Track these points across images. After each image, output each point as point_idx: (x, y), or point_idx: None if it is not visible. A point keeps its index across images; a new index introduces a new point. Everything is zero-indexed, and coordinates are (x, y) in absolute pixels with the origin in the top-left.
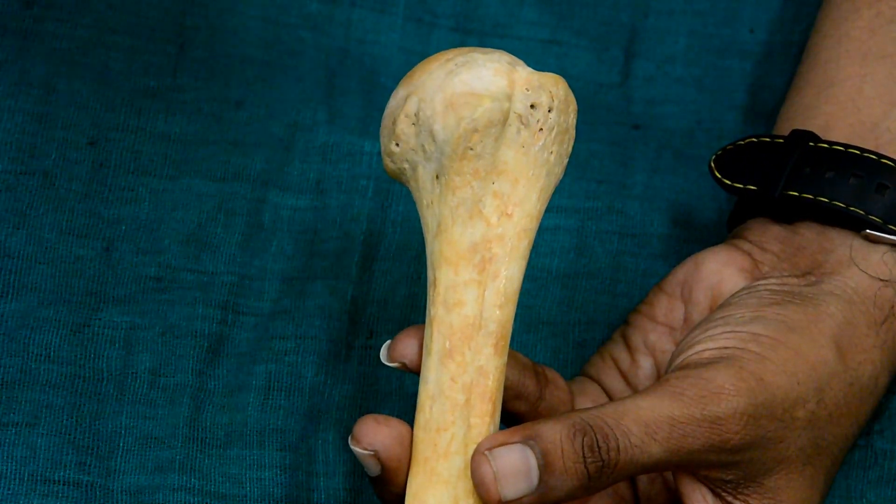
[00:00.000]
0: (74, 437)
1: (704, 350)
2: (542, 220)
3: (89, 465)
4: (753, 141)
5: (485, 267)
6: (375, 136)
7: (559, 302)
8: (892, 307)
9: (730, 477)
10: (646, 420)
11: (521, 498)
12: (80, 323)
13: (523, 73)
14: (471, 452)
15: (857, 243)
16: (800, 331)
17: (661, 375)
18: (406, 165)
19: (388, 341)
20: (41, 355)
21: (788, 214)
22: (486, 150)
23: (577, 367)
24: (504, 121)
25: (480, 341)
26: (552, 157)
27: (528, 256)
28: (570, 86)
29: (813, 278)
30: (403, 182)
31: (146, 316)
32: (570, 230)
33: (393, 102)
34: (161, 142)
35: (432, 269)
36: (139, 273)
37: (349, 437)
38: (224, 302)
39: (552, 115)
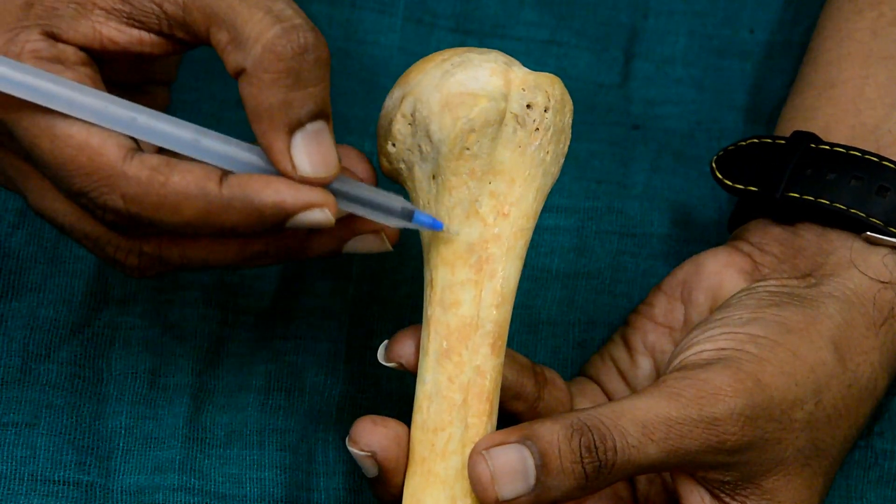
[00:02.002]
0: (74, 437)
1: (702, 351)
2: (542, 219)
3: (89, 465)
4: (755, 142)
5: (481, 267)
6: (375, 137)
7: (559, 302)
8: (892, 309)
9: (727, 478)
10: (643, 420)
11: (518, 498)
12: (80, 323)
13: (519, 73)
14: (468, 452)
15: (857, 245)
16: (798, 332)
17: (660, 376)
18: (402, 165)
19: (386, 341)
20: (41, 355)
21: (789, 216)
22: (482, 150)
23: (577, 367)
24: (500, 121)
25: (477, 341)
26: (548, 157)
27: (524, 256)
28: (570, 86)
29: (812, 280)
30: (400, 182)
31: (146, 316)
32: (570, 230)
33: (389, 103)
34: None
35: (429, 270)
36: None
37: (346, 438)
38: (224, 302)
39: (548, 114)
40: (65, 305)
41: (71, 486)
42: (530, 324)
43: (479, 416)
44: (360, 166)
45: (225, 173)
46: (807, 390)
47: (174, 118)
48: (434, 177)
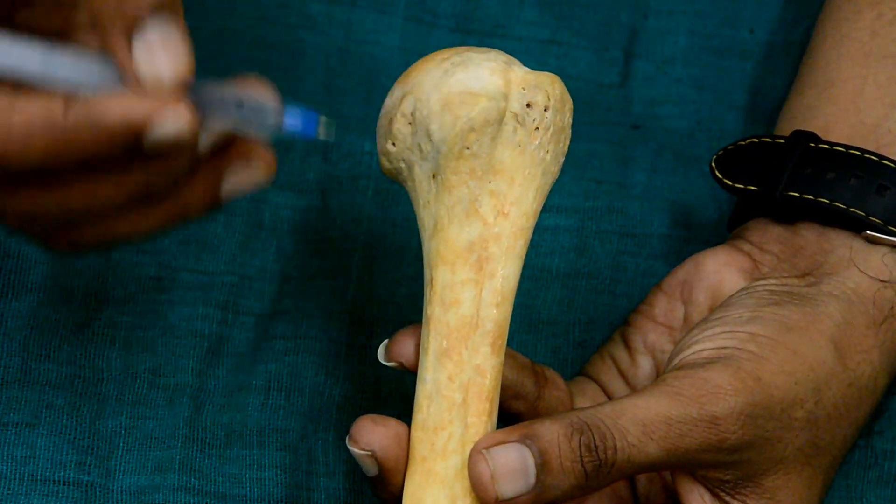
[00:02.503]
0: (74, 437)
1: (702, 350)
2: (542, 219)
3: (89, 465)
4: (754, 141)
5: (482, 266)
6: (375, 136)
7: (559, 302)
8: (892, 308)
9: (728, 477)
10: (643, 419)
11: (518, 497)
12: (80, 323)
13: (519, 72)
14: (468, 452)
15: (857, 244)
16: (798, 331)
17: (660, 375)
18: (402, 165)
19: (386, 341)
20: (41, 355)
21: (789, 215)
22: (482, 150)
23: (577, 367)
24: (500, 120)
25: (477, 340)
26: (548, 156)
27: (524, 255)
28: (570, 86)
29: (812, 279)
30: (400, 182)
31: (146, 316)
32: (570, 230)
33: (389, 102)
34: None
35: (429, 269)
36: (139, 273)
37: (346, 438)
38: (224, 302)
39: (548, 114)
40: (65, 305)
41: (71, 486)
42: (530, 324)
43: (479, 415)
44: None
45: (72, 98)
46: (807, 389)
47: (18, 36)
48: (434, 176)
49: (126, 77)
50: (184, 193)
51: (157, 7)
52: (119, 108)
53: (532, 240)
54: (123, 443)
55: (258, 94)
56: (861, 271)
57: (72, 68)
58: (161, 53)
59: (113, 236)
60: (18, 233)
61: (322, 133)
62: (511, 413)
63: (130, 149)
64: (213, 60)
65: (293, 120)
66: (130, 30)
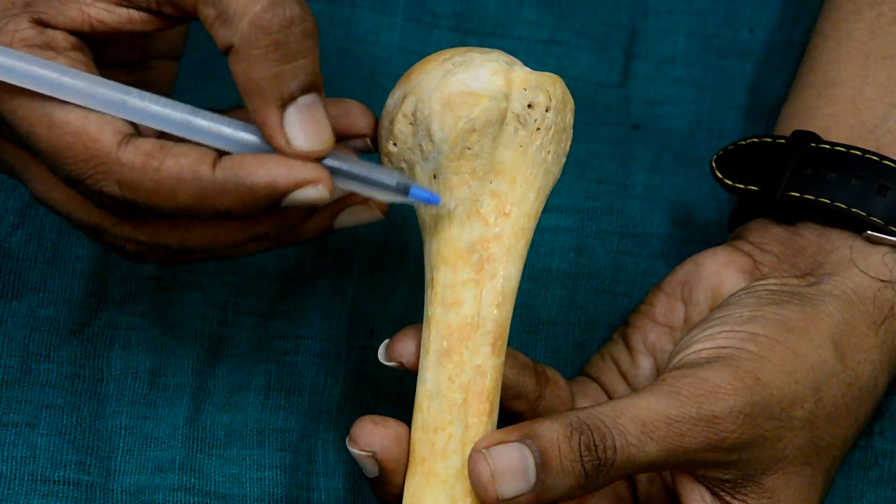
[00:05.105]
0: (74, 437)
1: (702, 349)
2: (542, 220)
3: (89, 465)
4: (755, 141)
5: (482, 266)
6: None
7: (559, 302)
8: (892, 307)
9: (728, 476)
10: (643, 419)
11: (518, 497)
12: (80, 323)
13: (521, 72)
14: (468, 452)
15: (857, 244)
16: (798, 330)
17: (660, 375)
18: (404, 165)
19: (386, 340)
20: (41, 355)
21: (790, 215)
22: (483, 150)
23: (577, 367)
24: (501, 120)
25: (478, 341)
26: (550, 157)
27: (525, 256)
28: (570, 86)
29: (812, 279)
30: None
31: (146, 316)
32: (570, 230)
33: (390, 102)
34: None
35: (430, 269)
36: (139, 273)
37: (347, 438)
38: (224, 302)
39: (549, 114)
40: (65, 305)
41: (71, 486)
42: (530, 324)
43: (480, 415)
44: (362, 121)
45: (220, 154)
46: (807, 388)
47: (168, 99)
48: (435, 176)
49: (271, 142)
50: (299, 227)
51: (310, 86)
52: (265, 171)
53: (532, 240)
54: (123, 443)
55: (383, 175)
56: (861, 271)
57: (213, 129)
58: (309, 126)
59: (218, 259)
60: (120, 253)
61: (444, 205)
62: (512, 413)
63: (268, 207)
64: (215, 60)
65: (418, 192)
66: (285, 101)
